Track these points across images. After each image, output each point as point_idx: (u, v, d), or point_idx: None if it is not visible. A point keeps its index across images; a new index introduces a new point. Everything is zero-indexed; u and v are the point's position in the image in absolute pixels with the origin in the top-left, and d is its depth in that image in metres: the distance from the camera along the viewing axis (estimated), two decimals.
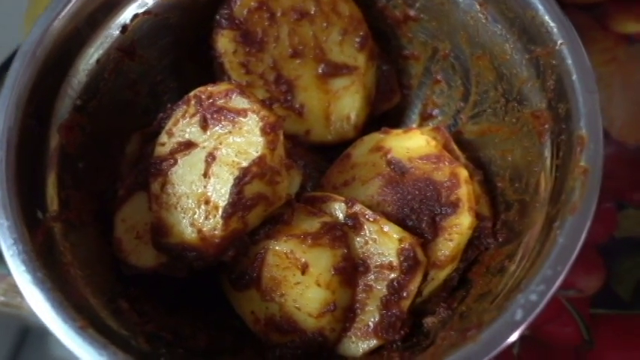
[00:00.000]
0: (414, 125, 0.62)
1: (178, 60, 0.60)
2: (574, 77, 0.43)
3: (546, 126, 0.46)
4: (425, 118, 0.62)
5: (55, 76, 0.50)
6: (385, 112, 0.63)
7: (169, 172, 0.51)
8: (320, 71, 0.59)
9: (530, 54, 0.48)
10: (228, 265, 0.52)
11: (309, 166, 0.58)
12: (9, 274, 0.62)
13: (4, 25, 0.68)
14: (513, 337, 0.36)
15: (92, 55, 0.53)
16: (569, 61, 0.44)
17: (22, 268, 0.40)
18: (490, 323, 0.37)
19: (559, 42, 0.44)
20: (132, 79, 0.57)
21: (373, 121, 0.61)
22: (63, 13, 0.50)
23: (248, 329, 0.52)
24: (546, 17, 0.45)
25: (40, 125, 0.49)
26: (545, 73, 0.46)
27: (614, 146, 0.65)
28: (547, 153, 0.46)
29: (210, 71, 0.59)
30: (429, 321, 0.49)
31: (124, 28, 0.55)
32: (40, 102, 0.49)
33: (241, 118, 0.49)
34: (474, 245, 0.51)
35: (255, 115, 0.49)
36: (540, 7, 0.46)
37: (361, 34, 0.59)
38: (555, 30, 0.45)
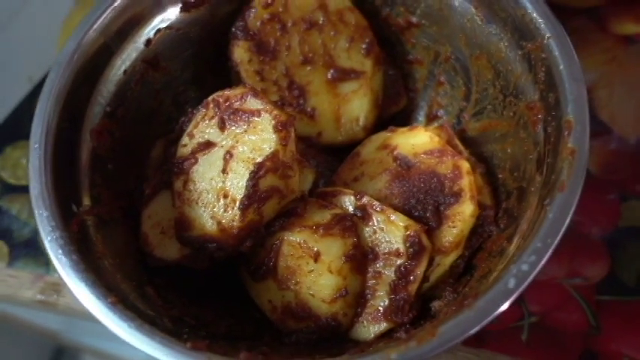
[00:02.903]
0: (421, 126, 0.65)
1: (199, 71, 0.65)
2: (561, 67, 0.46)
3: (539, 116, 0.49)
4: (431, 119, 0.65)
5: (87, 85, 0.55)
6: (393, 115, 0.67)
7: (191, 171, 0.55)
8: (329, 76, 0.63)
9: (522, 50, 0.51)
10: (247, 257, 0.55)
11: (321, 165, 0.62)
12: (47, 273, 0.67)
13: (42, 47, 0.74)
14: (507, 304, 0.39)
15: (120, 66, 0.58)
16: (557, 53, 0.47)
17: (59, 251, 0.44)
18: (485, 292, 0.40)
19: (547, 36, 0.48)
20: (156, 89, 0.62)
21: (382, 124, 0.65)
22: (94, 28, 0.55)
23: (266, 318, 0.55)
24: (534, 14, 0.49)
25: (74, 129, 0.53)
26: (536, 66, 0.49)
27: (616, 142, 0.67)
28: (540, 140, 0.48)
29: (228, 80, 0.64)
30: (436, 305, 0.52)
31: (148, 41, 0.60)
32: (74, 108, 0.53)
33: (255, 118, 0.53)
34: (477, 233, 0.54)
35: (267, 115, 0.53)
36: (529, 5, 0.49)
37: (367, 40, 0.63)
38: (542, 25, 0.48)
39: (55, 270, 0.67)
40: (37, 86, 0.76)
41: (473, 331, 0.38)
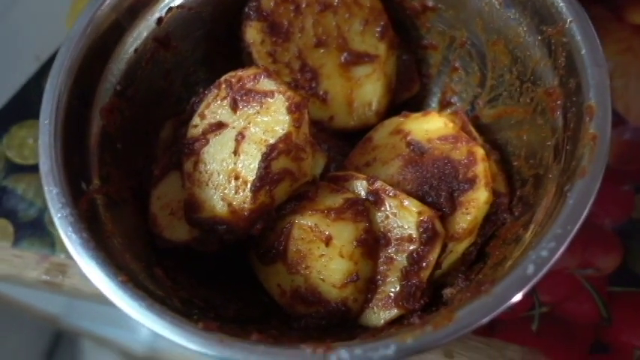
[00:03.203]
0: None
1: (209, 52, 0.64)
2: (583, 52, 0.45)
3: (559, 102, 0.48)
4: (444, 106, 0.65)
5: (98, 62, 0.54)
6: (406, 101, 0.66)
7: (202, 152, 0.54)
8: (343, 60, 0.62)
9: (542, 34, 0.50)
10: (256, 240, 0.55)
11: (332, 149, 0.61)
12: (52, 253, 0.66)
13: (49, 25, 0.73)
14: (525, 290, 0.38)
15: (131, 44, 0.57)
16: (579, 38, 0.46)
17: (69, 229, 0.43)
18: (503, 278, 0.39)
19: (569, 20, 0.47)
20: (166, 69, 0.61)
21: (394, 110, 0.64)
22: (106, 3, 0.54)
23: (274, 302, 0.55)
24: None
25: (84, 106, 0.52)
26: (556, 51, 0.49)
27: (631, 132, 0.66)
28: (559, 127, 0.48)
29: (238, 62, 0.63)
30: (448, 292, 0.51)
31: (160, 20, 0.59)
32: (85, 85, 0.52)
33: (269, 99, 0.52)
34: (491, 221, 0.53)
35: (281, 96, 0.52)
36: None
37: (382, 24, 0.62)
38: (564, 9, 0.47)
39: (60, 250, 0.66)
40: (45, 65, 0.75)
41: (490, 317, 0.37)
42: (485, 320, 0.37)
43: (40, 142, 0.48)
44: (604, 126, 0.42)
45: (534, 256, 0.39)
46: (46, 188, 0.46)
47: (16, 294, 0.99)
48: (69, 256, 0.65)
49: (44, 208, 0.68)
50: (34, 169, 0.71)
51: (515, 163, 0.55)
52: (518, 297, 0.38)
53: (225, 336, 0.39)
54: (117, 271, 0.42)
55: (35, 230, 0.67)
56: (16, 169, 0.71)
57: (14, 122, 0.73)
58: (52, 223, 0.68)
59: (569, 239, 0.39)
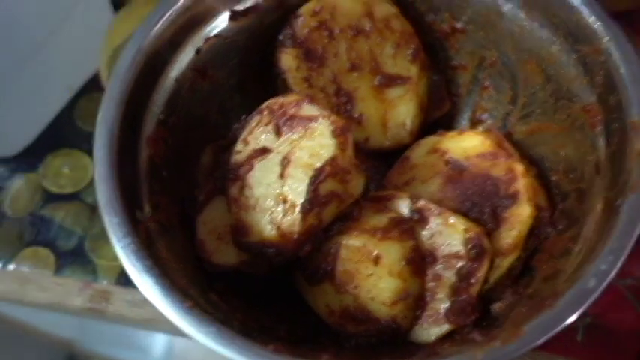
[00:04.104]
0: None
1: (243, 78, 0.65)
2: (622, 70, 0.47)
3: (598, 118, 0.50)
4: (475, 123, 0.66)
5: (144, 93, 0.55)
6: (437, 120, 0.67)
7: (247, 177, 0.55)
8: (376, 82, 0.64)
9: (577, 53, 0.52)
10: (302, 262, 0.56)
11: (369, 170, 0.62)
12: (94, 280, 0.67)
13: (81, 56, 0.75)
14: (588, 303, 0.39)
15: (172, 74, 0.59)
16: (616, 57, 0.48)
17: (133, 257, 0.44)
18: (565, 292, 0.40)
19: (605, 39, 0.48)
20: (203, 97, 0.62)
21: (426, 129, 0.65)
22: (149, 38, 0.55)
23: (322, 322, 0.56)
24: (591, 18, 0.50)
25: (134, 137, 0.54)
26: (593, 70, 0.50)
27: None
28: (601, 142, 0.49)
29: (271, 87, 0.64)
30: (496, 306, 0.52)
31: (198, 50, 0.60)
32: (132, 116, 0.54)
33: (312, 124, 0.54)
34: (534, 235, 0.54)
35: (326, 120, 0.53)
36: (584, 9, 0.50)
37: (413, 47, 0.64)
38: (600, 28, 0.49)
39: (103, 277, 0.67)
40: (77, 95, 0.76)
41: (556, 330, 0.38)
42: (552, 333, 0.38)
43: (97, 173, 0.49)
44: None
45: (594, 269, 0.40)
46: (106, 219, 0.47)
47: (29, 318, 0.99)
48: (111, 283, 0.66)
49: (84, 236, 0.69)
50: (71, 197, 0.72)
51: (554, 178, 0.56)
52: (581, 309, 0.39)
53: (297, 358, 0.40)
54: (183, 297, 0.43)
55: (76, 258, 0.68)
56: (53, 198, 0.72)
57: (49, 152, 0.74)
58: (93, 250, 0.69)
59: (626, 252, 0.40)
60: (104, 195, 0.47)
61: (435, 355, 0.42)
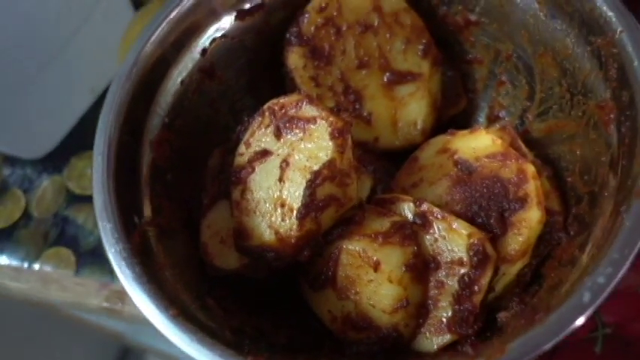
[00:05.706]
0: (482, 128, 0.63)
1: (254, 79, 0.65)
2: (635, 64, 0.43)
3: (611, 115, 0.46)
4: (492, 121, 0.63)
5: (147, 97, 0.56)
6: (453, 117, 0.64)
7: (248, 180, 0.55)
8: (385, 80, 0.62)
9: (591, 45, 0.48)
10: (305, 267, 0.55)
11: (378, 171, 0.60)
12: (112, 281, 0.69)
13: (103, 60, 0.76)
14: (581, 319, 0.36)
15: (177, 77, 0.59)
16: (630, 48, 0.44)
17: (123, 263, 0.45)
18: (558, 307, 0.37)
19: (618, 30, 0.45)
20: (212, 98, 0.62)
21: (441, 127, 0.63)
22: (151, 40, 0.56)
23: (325, 329, 0.55)
24: (604, 7, 0.46)
25: (135, 141, 0.54)
26: (607, 62, 0.47)
27: None
28: (614, 142, 0.46)
29: (283, 87, 0.63)
30: (502, 316, 0.49)
31: (204, 51, 0.60)
32: (134, 120, 0.54)
33: (311, 125, 0.53)
34: (545, 240, 0.51)
35: (323, 122, 0.52)
36: None
37: (424, 41, 0.61)
38: (614, 19, 0.45)
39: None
40: (100, 97, 0.78)
41: (544, 349, 0.36)
42: (539, 352, 0.36)
43: (94, 177, 0.50)
44: None
45: (590, 282, 0.37)
46: (100, 223, 0.47)
47: (83, 314, 1.03)
48: None
49: None
50: (92, 199, 0.74)
51: (570, 179, 0.53)
52: (573, 327, 0.36)
53: None
54: (168, 304, 0.43)
55: (95, 259, 0.70)
56: (76, 199, 0.74)
57: (73, 153, 0.76)
58: None
59: (627, 265, 0.37)
60: (99, 200, 0.48)
61: None
